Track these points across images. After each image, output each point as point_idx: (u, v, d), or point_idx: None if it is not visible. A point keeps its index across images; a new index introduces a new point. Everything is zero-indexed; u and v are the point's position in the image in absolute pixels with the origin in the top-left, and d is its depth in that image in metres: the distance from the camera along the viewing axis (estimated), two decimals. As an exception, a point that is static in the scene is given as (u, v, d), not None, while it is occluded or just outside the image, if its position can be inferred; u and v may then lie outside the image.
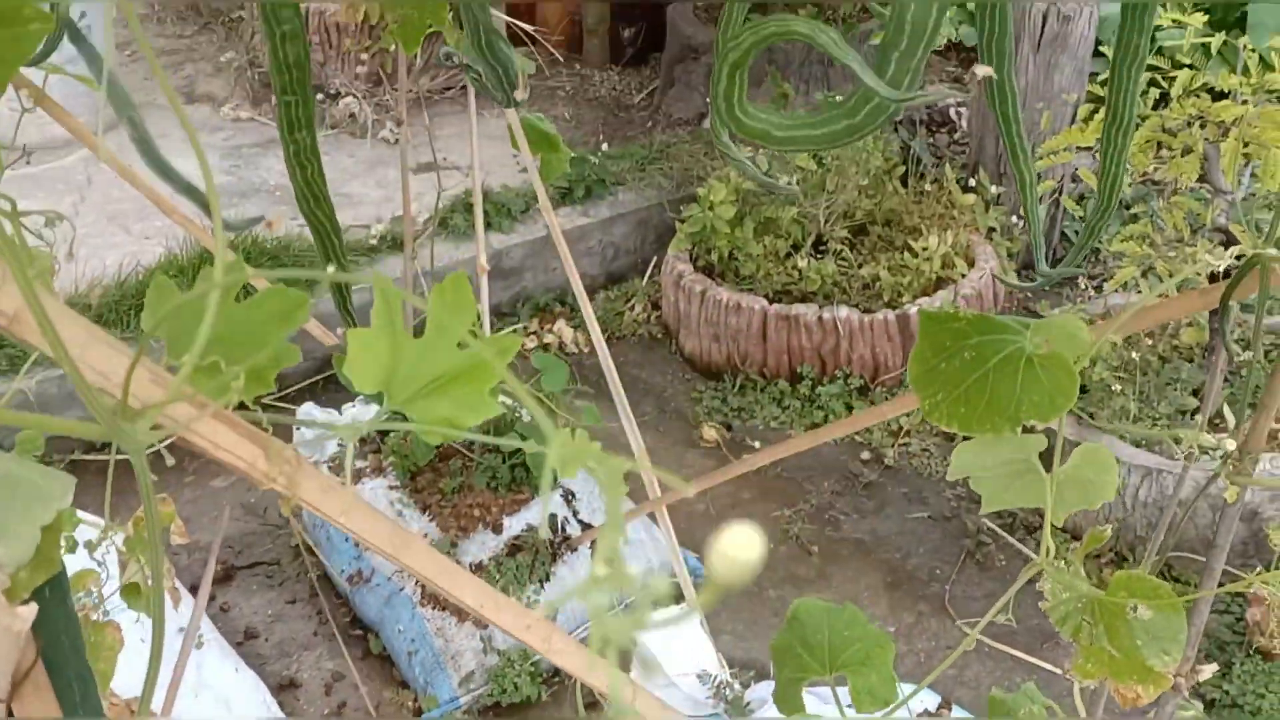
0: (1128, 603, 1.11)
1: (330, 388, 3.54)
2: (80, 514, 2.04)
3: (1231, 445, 1.12)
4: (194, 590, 2.63)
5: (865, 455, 3.45)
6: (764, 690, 2.51)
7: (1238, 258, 1.20)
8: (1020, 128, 1.24)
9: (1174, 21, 3.09)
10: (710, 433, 3.53)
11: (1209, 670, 1.21)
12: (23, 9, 0.59)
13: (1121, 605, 1.10)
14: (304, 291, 0.84)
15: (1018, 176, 1.34)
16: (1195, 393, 3.17)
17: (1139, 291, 3.28)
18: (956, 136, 4.75)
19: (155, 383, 0.57)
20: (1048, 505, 1.17)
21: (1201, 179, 3.12)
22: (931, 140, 4.64)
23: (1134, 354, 3.21)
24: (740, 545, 0.36)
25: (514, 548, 2.63)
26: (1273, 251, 1.16)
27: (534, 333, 4.06)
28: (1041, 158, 3.04)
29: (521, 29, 2.70)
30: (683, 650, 2.56)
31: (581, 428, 2.10)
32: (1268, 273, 1.18)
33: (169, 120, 5.02)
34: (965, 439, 1.20)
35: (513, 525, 2.65)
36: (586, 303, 2.59)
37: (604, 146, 4.66)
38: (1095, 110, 3.12)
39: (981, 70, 0.84)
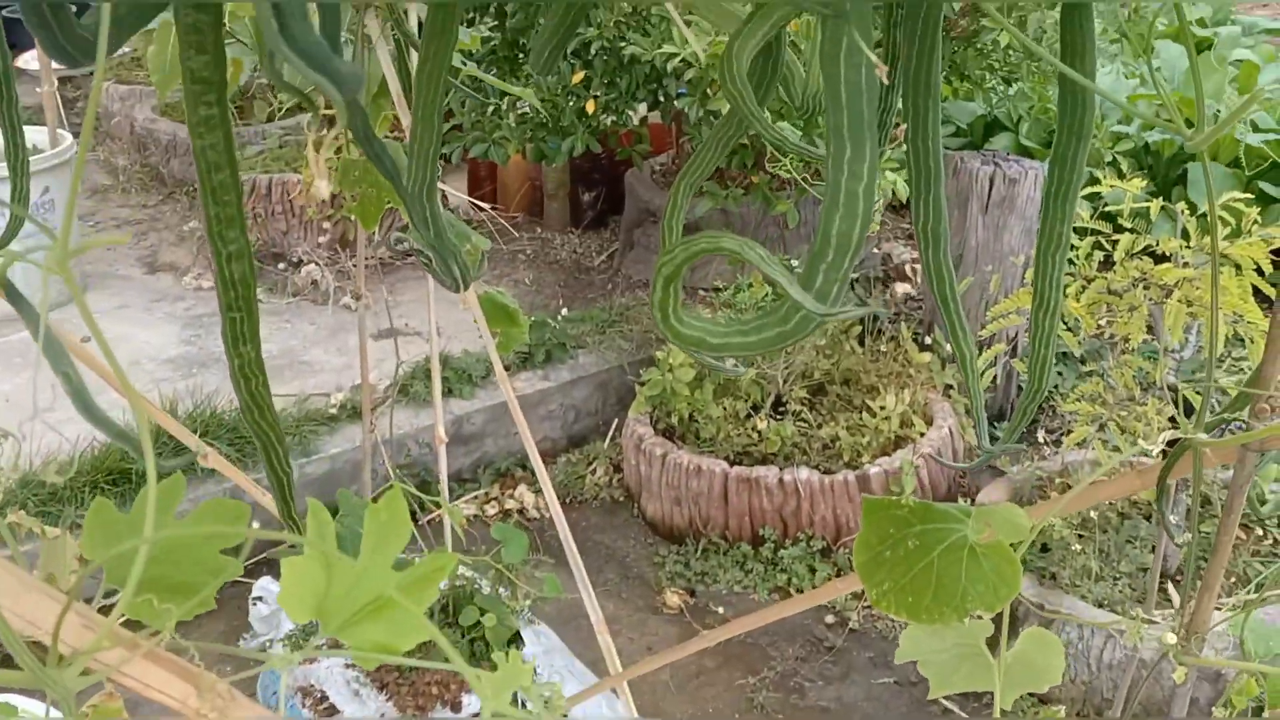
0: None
1: (289, 559, 3.49)
2: (25, 708, 1.99)
3: (1172, 639, 1.13)
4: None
5: (830, 619, 3.43)
6: None
7: (1170, 443, 1.23)
8: (958, 306, 1.27)
9: (1112, 186, 3.18)
10: (673, 599, 3.51)
11: None
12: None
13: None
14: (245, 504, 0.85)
15: (958, 355, 1.36)
16: (1155, 548, 3.18)
17: (1094, 448, 3.31)
18: (913, 292, 4.84)
19: (86, 627, 0.58)
20: (997, 690, 1.17)
21: (1151, 330, 3.20)
22: (887, 296, 4.72)
23: (1093, 512, 3.23)
24: None
25: (473, 725, 2.58)
26: (1203, 437, 1.19)
27: (495, 498, 4.05)
28: (991, 320, 3.11)
29: (477, 205, 2.76)
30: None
31: (542, 599, 2.08)
32: (1200, 458, 1.20)
33: (131, 290, 5.07)
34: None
35: (472, 702, 2.61)
36: (544, 473, 2.59)
37: (564, 311, 4.72)
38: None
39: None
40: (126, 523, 0.83)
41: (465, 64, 2.47)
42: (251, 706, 0.65)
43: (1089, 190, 3.04)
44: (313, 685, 2.64)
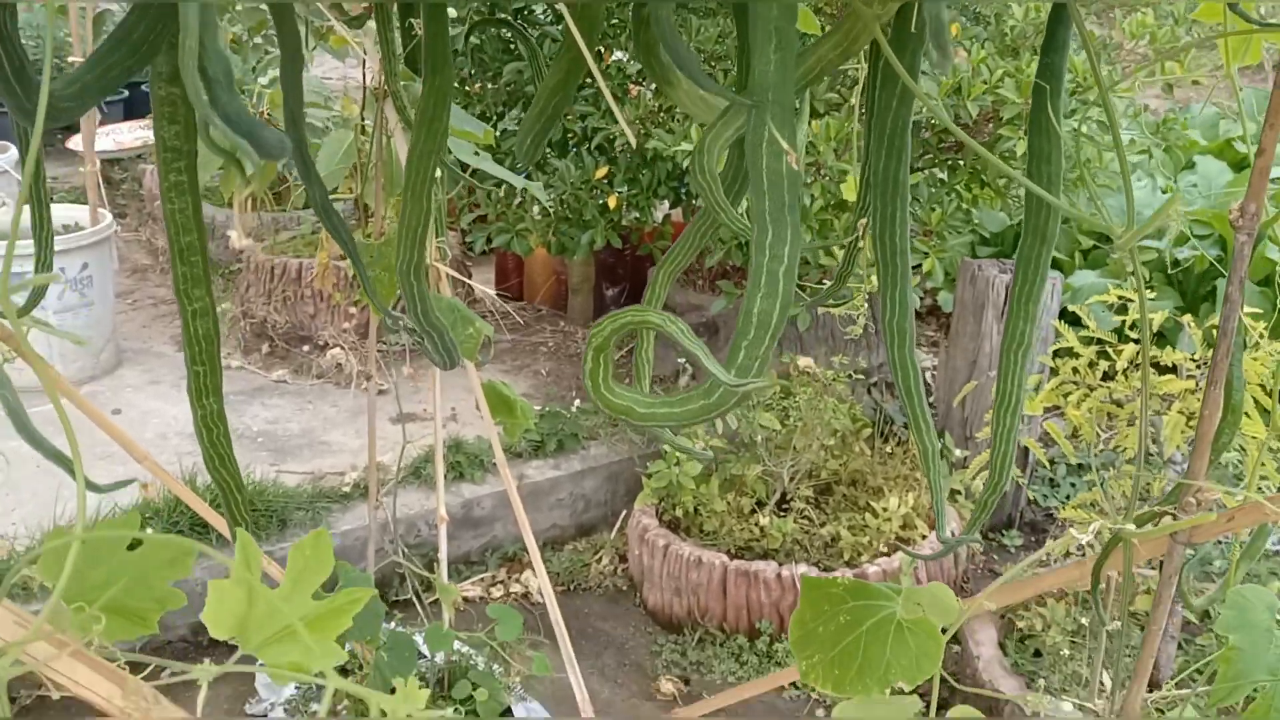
0: None
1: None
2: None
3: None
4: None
5: (820, 712, 3.44)
6: None
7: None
8: (922, 401, 1.32)
9: (1120, 298, 3.22)
10: (668, 686, 3.53)
11: None
12: None
13: None
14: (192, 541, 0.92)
15: (919, 448, 1.40)
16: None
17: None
18: (931, 400, 4.88)
19: (19, 624, 0.64)
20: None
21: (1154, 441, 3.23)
22: (900, 401, 4.76)
23: (1084, 619, 3.24)
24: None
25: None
26: (1131, 528, 1.24)
27: (501, 581, 4.09)
28: (988, 423, 3.15)
29: (493, 295, 2.85)
30: None
31: (536, 678, 2.13)
32: (1130, 550, 1.25)
33: (163, 366, 5.19)
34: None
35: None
36: (538, 556, 2.65)
37: (576, 403, 4.79)
38: (1053, 373, 3.27)
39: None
40: (85, 547, 0.90)
41: (479, 153, 2.57)
42: (173, 709, 0.71)
43: (1100, 299, 3.10)
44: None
